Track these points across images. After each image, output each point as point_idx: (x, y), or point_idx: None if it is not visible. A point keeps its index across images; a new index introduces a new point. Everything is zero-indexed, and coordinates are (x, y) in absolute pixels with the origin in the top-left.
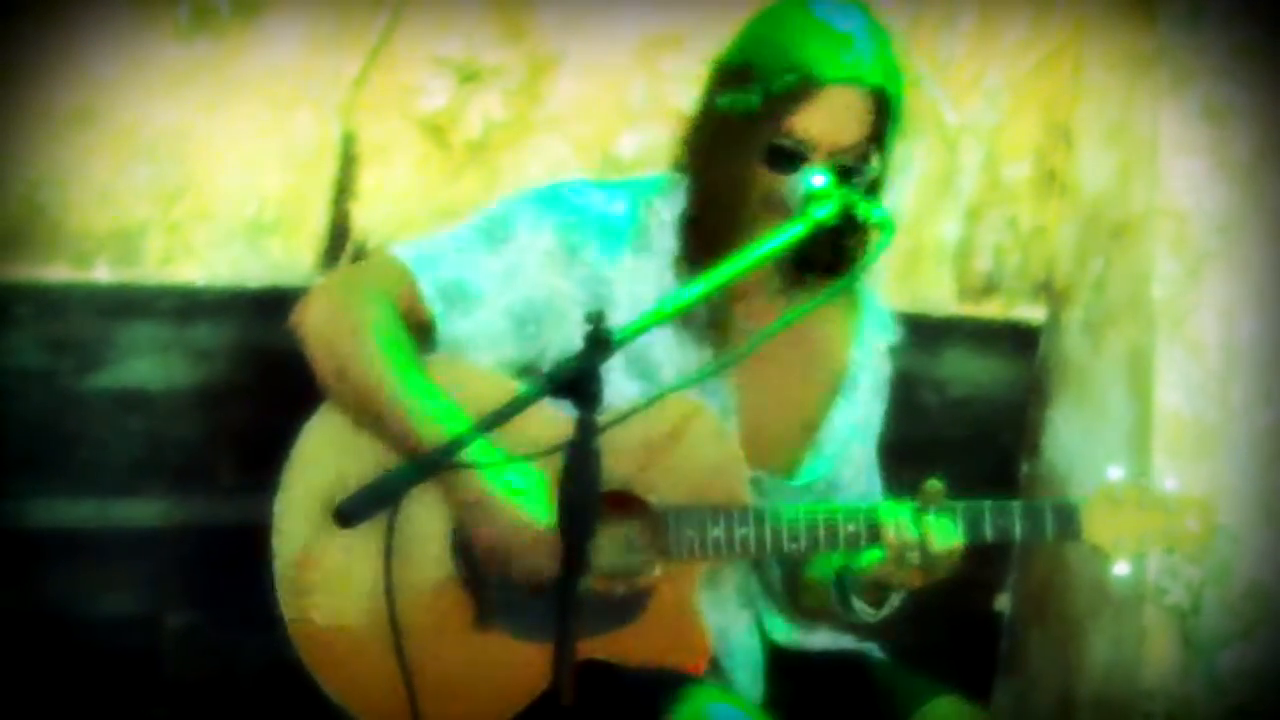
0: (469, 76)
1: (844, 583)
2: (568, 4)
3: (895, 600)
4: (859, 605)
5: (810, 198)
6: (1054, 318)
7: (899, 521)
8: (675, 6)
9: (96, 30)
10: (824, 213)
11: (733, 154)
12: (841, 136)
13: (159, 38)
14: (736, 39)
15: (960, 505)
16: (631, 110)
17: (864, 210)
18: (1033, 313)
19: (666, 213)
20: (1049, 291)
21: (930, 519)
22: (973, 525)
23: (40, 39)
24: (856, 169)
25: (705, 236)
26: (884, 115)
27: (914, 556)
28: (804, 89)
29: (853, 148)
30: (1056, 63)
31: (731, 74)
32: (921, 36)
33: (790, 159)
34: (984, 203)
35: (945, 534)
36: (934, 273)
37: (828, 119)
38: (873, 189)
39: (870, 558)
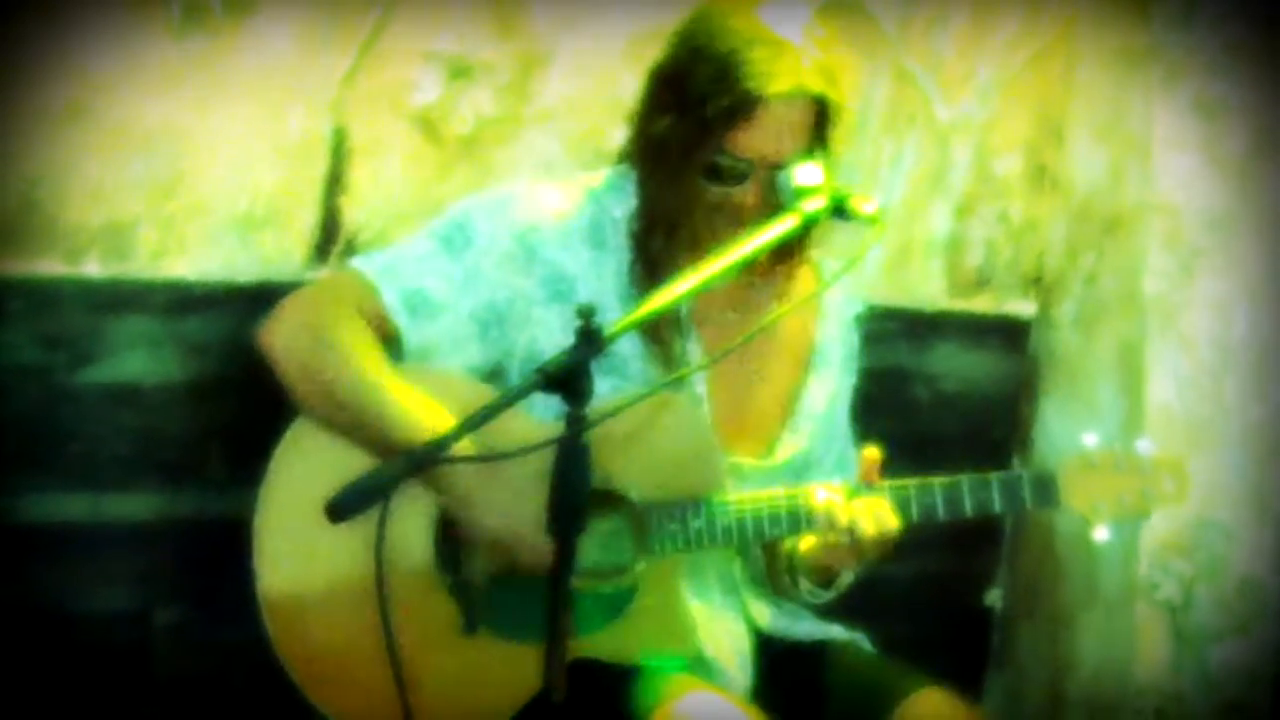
0: (460, 72)
1: (793, 564)
2: (559, 0)
3: (844, 581)
4: (805, 586)
5: (800, 193)
6: (1045, 312)
7: (829, 503)
8: (665, 2)
9: (90, 27)
10: (815, 207)
11: (674, 172)
12: (782, 150)
13: (152, 34)
14: (673, 47)
15: (887, 485)
16: (622, 106)
17: (854, 205)
18: (1024, 307)
19: (618, 210)
20: (1040, 286)
21: (859, 501)
22: (903, 506)
23: (33, 36)
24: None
25: (656, 245)
26: (825, 119)
27: (843, 538)
28: (742, 108)
29: (794, 158)
30: (1048, 58)
31: (669, 91)
32: (913, 32)
33: (731, 175)
34: (975, 198)
35: (874, 516)
36: (925, 267)
37: (767, 135)
38: None
39: (807, 540)
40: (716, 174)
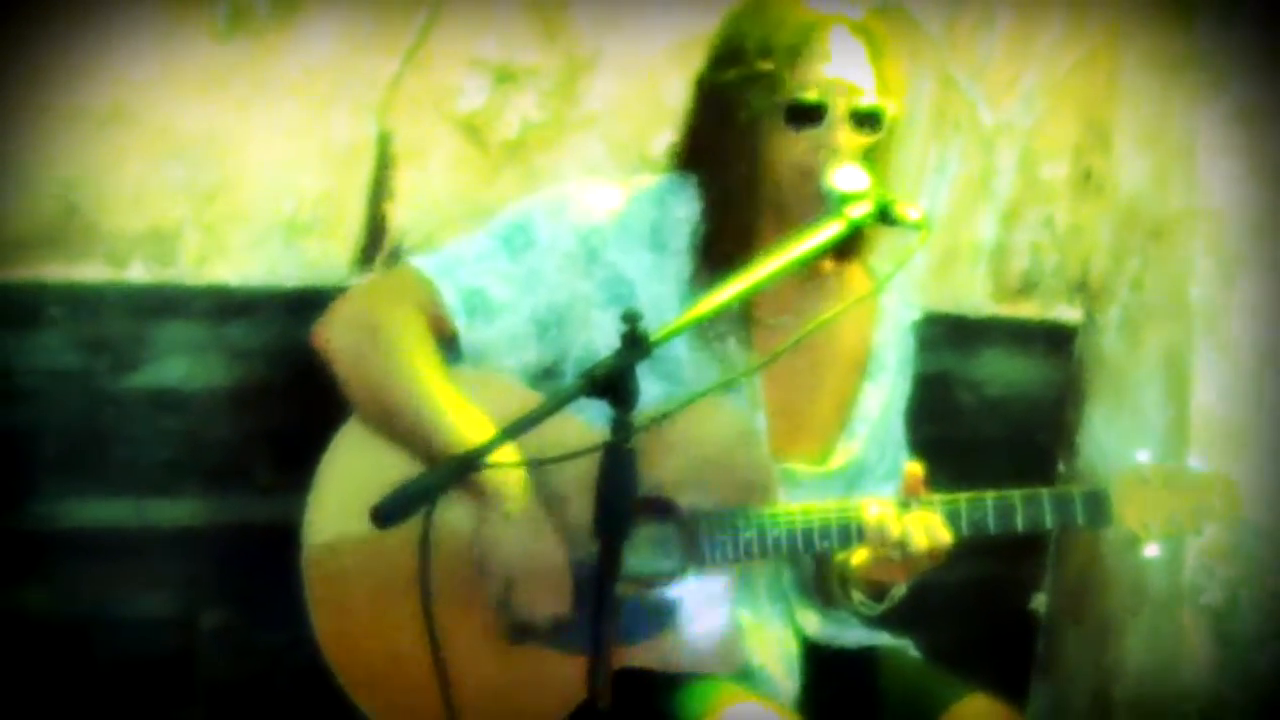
0: (505, 77)
1: (845, 576)
2: (604, 4)
3: (896, 594)
4: (858, 598)
5: (846, 198)
6: (1090, 317)
7: (882, 517)
8: (711, 6)
9: (132, 30)
10: (860, 213)
11: (751, 125)
12: (849, 78)
13: (195, 37)
14: (720, 31)
15: (938, 499)
16: (667, 110)
17: (900, 210)
18: (1069, 313)
19: (681, 210)
20: (1085, 291)
21: (911, 515)
22: (953, 520)
23: (76, 38)
24: (876, 114)
25: (731, 228)
26: (883, 55)
27: (895, 552)
28: (803, 37)
29: (867, 89)
30: (1093, 64)
31: (727, 56)
32: (958, 37)
33: (812, 111)
34: (1021, 203)
35: (926, 530)
36: (971, 273)
37: (834, 60)
38: (892, 135)
39: (859, 553)
40: (797, 113)
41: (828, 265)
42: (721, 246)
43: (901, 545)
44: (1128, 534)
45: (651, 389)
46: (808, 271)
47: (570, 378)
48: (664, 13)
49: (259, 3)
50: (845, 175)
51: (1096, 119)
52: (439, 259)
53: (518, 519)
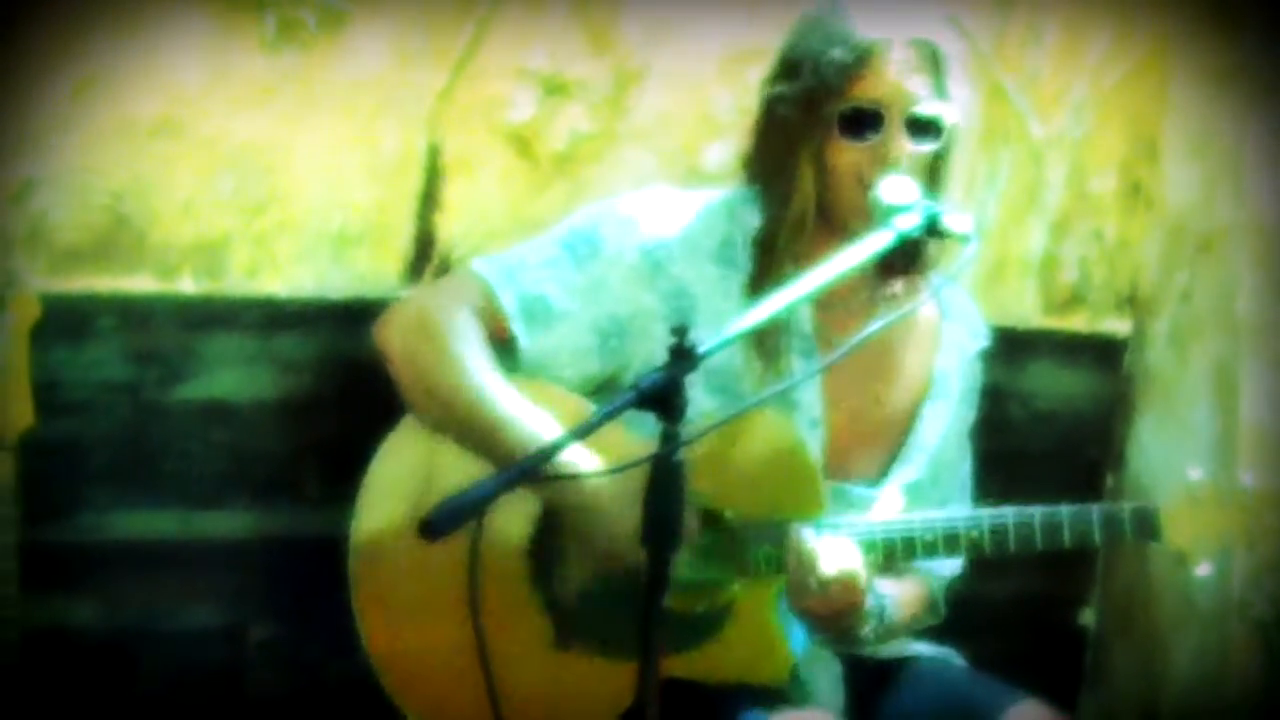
0: (555, 89)
1: None
2: (653, 16)
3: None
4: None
5: (893, 210)
6: (1139, 331)
7: (799, 540)
8: (760, 19)
9: (182, 41)
10: (908, 225)
11: (809, 135)
12: (907, 87)
13: (245, 49)
14: (783, 44)
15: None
16: (717, 122)
17: (948, 223)
18: (1118, 326)
19: (754, 220)
20: (1134, 304)
21: (824, 542)
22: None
23: (126, 50)
24: (934, 122)
25: (787, 240)
26: (940, 68)
27: (811, 579)
28: (857, 54)
29: (922, 99)
30: (1142, 76)
31: (785, 71)
32: (1007, 50)
33: (866, 121)
34: (1070, 216)
35: (836, 560)
36: (1019, 286)
37: (888, 75)
38: (949, 147)
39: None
40: (850, 123)
41: (894, 284)
42: (776, 258)
43: (811, 568)
44: (1177, 552)
45: (708, 402)
46: (876, 291)
47: None
48: (713, 25)
49: (308, 15)
50: (893, 186)
51: (1145, 131)
52: (501, 263)
53: (598, 487)
